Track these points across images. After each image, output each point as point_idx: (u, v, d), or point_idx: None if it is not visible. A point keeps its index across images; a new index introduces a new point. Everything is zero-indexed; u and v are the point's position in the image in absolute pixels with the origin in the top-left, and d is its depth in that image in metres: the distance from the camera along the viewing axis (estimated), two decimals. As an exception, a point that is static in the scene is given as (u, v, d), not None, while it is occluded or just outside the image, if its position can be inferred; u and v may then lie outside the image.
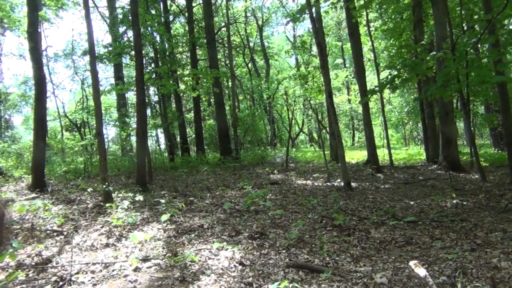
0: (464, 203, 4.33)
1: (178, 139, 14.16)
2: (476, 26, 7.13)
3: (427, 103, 10.14)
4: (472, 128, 9.08)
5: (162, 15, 12.15)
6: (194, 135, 12.89)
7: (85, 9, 5.20)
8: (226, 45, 17.55)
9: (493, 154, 11.38)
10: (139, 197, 4.51)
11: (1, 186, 6.55)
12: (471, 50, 6.04)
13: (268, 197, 5.18)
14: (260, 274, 2.26)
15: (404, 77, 6.35)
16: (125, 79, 15.39)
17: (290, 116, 15.51)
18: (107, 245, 3.07)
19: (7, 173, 8.11)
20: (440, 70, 5.88)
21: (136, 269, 2.45)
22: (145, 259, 2.64)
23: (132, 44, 8.72)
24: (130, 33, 11.72)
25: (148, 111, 13.77)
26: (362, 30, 12.48)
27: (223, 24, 17.75)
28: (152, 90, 14.65)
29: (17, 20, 13.90)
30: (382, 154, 11.88)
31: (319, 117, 22.47)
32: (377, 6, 10.62)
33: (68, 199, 5.17)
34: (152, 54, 12.76)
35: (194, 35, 13.04)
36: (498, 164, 8.52)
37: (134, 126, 10.08)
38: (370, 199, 4.93)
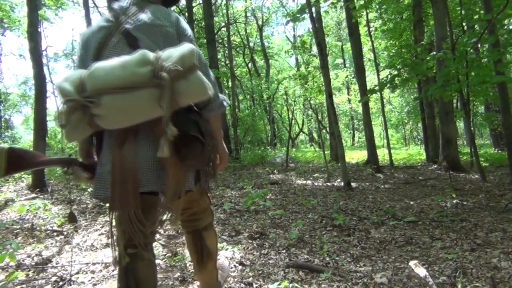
0: (464, 203, 4.33)
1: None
2: (476, 26, 7.14)
3: (427, 103, 10.15)
4: (472, 128, 9.09)
5: (162, 15, 12.13)
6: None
7: (85, 9, 5.20)
8: (226, 45, 17.55)
9: (493, 154, 11.38)
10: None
11: (1, 186, 6.55)
12: (471, 50, 6.04)
13: (268, 197, 5.18)
14: (260, 274, 2.26)
15: (404, 77, 6.36)
16: (125, 79, 15.35)
17: (290, 116, 15.51)
18: (107, 245, 3.07)
19: (7, 173, 8.11)
20: (440, 70, 5.88)
21: (136, 269, 2.45)
22: (145, 259, 2.64)
23: (132, 44, 8.71)
24: (130, 33, 11.70)
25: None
26: (362, 30, 12.47)
27: (223, 24, 17.74)
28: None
29: (17, 20, 13.91)
30: (382, 154, 11.88)
31: (319, 117, 22.46)
32: (377, 6, 10.62)
33: (68, 199, 5.17)
34: (152, 54, 12.75)
35: (194, 35, 13.04)
36: (498, 164, 8.52)
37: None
38: (370, 199, 4.93)
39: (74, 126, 1.23)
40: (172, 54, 1.24)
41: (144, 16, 1.40)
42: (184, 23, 1.49)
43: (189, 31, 1.47)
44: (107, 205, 1.42)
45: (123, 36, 1.37)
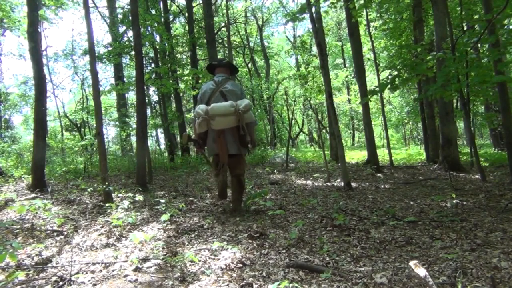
0: (464, 203, 4.33)
1: (178, 139, 14.16)
2: (476, 26, 7.13)
3: (427, 103, 10.14)
4: (472, 128, 9.08)
5: (162, 15, 12.13)
6: (194, 135, 12.88)
7: (85, 9, 5.19)
8: (226, 45, 17.55)
9: (493, 154, 11.38)
10: (139, 197, 4.51)
11: (1, 186, 6.55)
12: (471, 50, 6.03)
13: (268, 197, 5.18)
14: (260, 274, 2.26)
15: (404, 77, 6.35)
16: (125, 79, 15.38)
17: (290, 116, 15.49)
18: (107, 245, 3.08)
19: (7, 173, 8.11)
20: (440, 70, 5.88)
21: (136, 269, 2.45)
22: (145, 259, 2.64)
23: (132, 44, 8.72)
24: (130, 33, 11.72)
25: (148, 111, 13.76)
26: (362, 30, 12.47)
27: (223, 24, 17.74)
28: (152, 90, 14.65)
29: (17, 20, 13.88)
30: (382, 154, 11.89)
31: (319, 117, 22.46)
32: (377, 6, 10.61)
33: (68, 199, 5.17)
34: (152, 54, 12.76)
35: (194, 35, 13.03)
36: (498, 164, 8.52)
37: (134, 126, 10.07)
38: (370, 199, 4.93)
39: (201, 126, 3.84)
40: (241, 103, 3.79)
41: (229, 86, 4.00)
42: (243, 89, 4.15)
43: (244, 91, 4.11)
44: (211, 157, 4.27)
45: (220, 93, 3.96)
